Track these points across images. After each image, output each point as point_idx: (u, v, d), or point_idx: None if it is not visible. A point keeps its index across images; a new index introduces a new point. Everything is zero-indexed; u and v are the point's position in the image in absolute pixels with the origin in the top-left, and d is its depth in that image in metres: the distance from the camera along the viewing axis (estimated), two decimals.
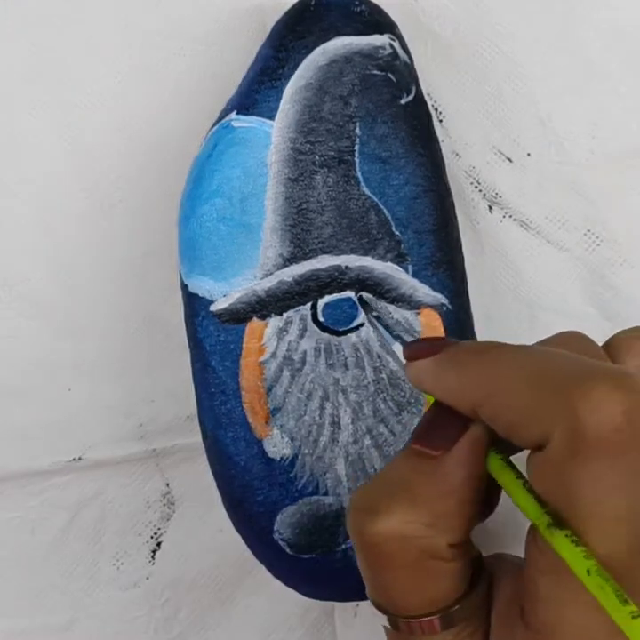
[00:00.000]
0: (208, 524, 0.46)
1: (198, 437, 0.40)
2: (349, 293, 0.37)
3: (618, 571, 0.22)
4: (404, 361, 0.31)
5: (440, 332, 0.38)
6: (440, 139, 0.39)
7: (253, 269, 0.37)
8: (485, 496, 0.28)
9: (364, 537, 0.27)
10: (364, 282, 0.37)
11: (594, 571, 0.22)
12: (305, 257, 0.37)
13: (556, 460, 0.23)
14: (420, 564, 0.27)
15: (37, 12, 0.41)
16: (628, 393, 0.22)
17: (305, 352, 0.38)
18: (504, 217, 0.42)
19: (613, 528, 0.22)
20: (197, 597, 0.47)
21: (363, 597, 0.40)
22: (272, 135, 0.37)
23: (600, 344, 0.27)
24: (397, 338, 0.36)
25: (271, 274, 0.37)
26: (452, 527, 0.27)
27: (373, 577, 0.29)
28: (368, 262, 0.37)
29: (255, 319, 0.37)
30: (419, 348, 0.29)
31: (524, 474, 0.26)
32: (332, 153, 0.37)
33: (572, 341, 0.26)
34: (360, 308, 0.37)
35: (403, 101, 0.37)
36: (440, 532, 0.27)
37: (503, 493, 0.28)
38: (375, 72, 0.37)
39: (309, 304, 0.37)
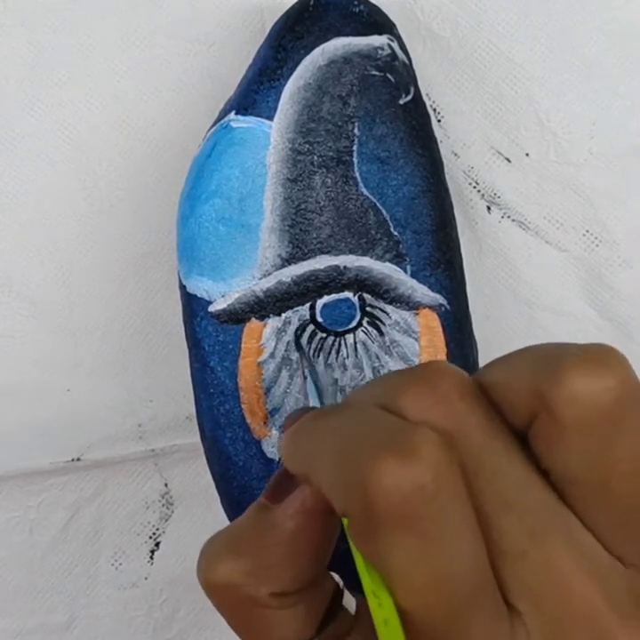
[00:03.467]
0: (207, 524, 0.46)
1: (197, 438, 0.40)
2: (348, 294, 0.37)
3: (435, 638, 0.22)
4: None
5: (439, 333, 0.38)
6: (439, 139, 0.39)
7: (252, 270, 0.37)
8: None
9: (202, 584, 0.28)
10: (362, 282, 0.37)
11: None
12: (303, 257, 0.37)
13: (358, 534, 0.23)
14: (248, 613, 0.27)
15: (36, 12, 0.41)
16: (415, 461, 0.22)
17: None
18: (503, 217, 0.42)
19: (423, 597, 0.22)
20: (196, 597, 0.47)
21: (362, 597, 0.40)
22: (271, 135, 0.37)
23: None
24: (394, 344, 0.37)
25: (270, 274, 0.37)
26: (276, 577, 0.27)
27: (227, 622, 0.29)
28: (366, 263, 0.37)
29: (254, 320, 0.37)
30: (285, 423, 0.29)
31: None
32: (331, 153, 0.37)
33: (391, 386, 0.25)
34: (358, 308, 0.37)
35: (401, 102, 0.37)
36: (262, 581, 0.27)
37: None
38: (374, 72, 0.37)
39: (308, 304, 0.37)
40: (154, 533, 0.46)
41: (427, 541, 0.22)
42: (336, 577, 0.30)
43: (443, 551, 0.22)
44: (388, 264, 0.37)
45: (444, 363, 0.25)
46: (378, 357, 0.38)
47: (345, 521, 0.24)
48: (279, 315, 0.37)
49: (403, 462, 0.22)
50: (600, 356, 0.23)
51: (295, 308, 0.37)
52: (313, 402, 0.33)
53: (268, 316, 0.37)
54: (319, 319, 0.37)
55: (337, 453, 0.23)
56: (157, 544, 0.46)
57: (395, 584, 0.22)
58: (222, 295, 0.37)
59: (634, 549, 0.23)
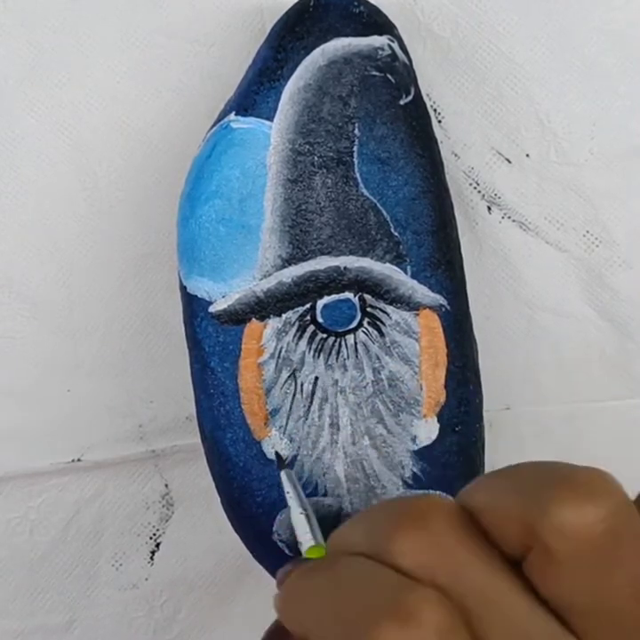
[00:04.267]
0: (207, 524, 0.46)
1: (197, 438, 0.40)
2: (348, 294, 0.37)
3: None
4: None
5: (439, 333, 0.38)
6: (439, 139, 0.39)
7: (252, 270, 0.37)
8: None
9: None
10: (362, 283, 0.37)
11: None
12: (304, 258, 0.37)
13: None
14: None
15: (36, 12, 0.41)
16: (417, 626, 0.21)
17: (304, 353, 0.38)
18: (503, 217, 0.42)
19: None
20: (196, 598, 0.47)
21: None
22: (271, 136, 0.37)
23: None
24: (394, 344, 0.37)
25: (270, 275, 0.37)
26: None
27: None
28: (367, 263, 0.37)
29: (254, 320, 0.37)
30: (278, 577, 0.29)
31: None
32: (331, 154, 0.37)
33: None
34: (359, 308, 0.37)
35: (402, 102, 0.37)
36: None
37: None
38: (374, 73, 0.37)
39: (308, 305, 0.37)
40: (154, 534, 0.46)
41: None
42: None
43: None
44: (388, 265, 0.37)
45: (429, 496, 0.24)
46: (378, 358, 0.38)
47: None
48: (279, 315, 0.37)
49: (404, 629, 0.21)
50: (588, 485, 0.22)
51: (295, 309, 0.37)
52: (300, 527, 0.33)
53: (269, 317, 0.37)
54: (319, 320, 0.37)
55: (334, 622, 0.23)
56: (158, 545, 0.46)
57: None
58: (223, 296, 0.37)
59: None
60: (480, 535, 0.23)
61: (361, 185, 0.37)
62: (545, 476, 0.23)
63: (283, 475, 0.36)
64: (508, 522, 0.23)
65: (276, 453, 0.38)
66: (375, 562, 0.23)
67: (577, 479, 0.22)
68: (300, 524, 0.33)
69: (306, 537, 0.32)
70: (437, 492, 0.25)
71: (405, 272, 0.38)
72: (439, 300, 0.38)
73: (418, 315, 0.38)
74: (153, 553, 0.46)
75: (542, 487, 0.23)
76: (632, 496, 0.24)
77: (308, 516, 0.33)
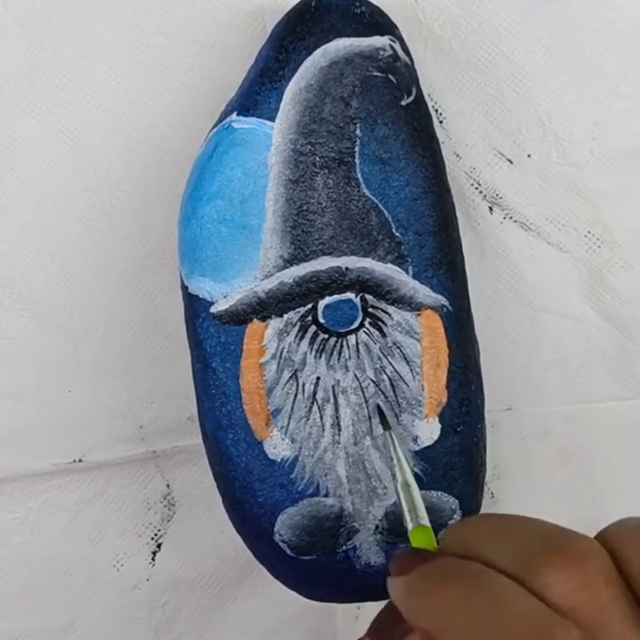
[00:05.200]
0: (208, 525, 0.46)
1: (199, 439, 0.40)
2: (350, 295, 0.37)
3: None
4: None
5: (440, 334, 0.38)
6: (440, 140, 0.39)
7: (254, 271, 0.37)
8: None
9: None
10: (364, 283, 0.37)
11: None
12: (305, 258, 0.37)
13: None
14: None
15: (37, 12, 0.41)
16: None
17: (305, 353, 0.38)
18: (504, 218, 0.42)
19: None
20: (198, 598, 0.47)
21: (363, 599, 0.40)
22: (273, 136, 0.37)
23: None
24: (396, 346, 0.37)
25: (272, 275, 0.37)
26: None
27: None
28: (368, 264, 0.37)
29: (256, 321, 0.37)
30: (396, 564, 0.28)
31: None
32: (333, 154, 0.37)
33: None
34: (360, 309, 0.37)
35: (403, 103, 0.37)
36: None
37: None
38: (376, 73, 0.37)
39: (310, 305, 0.37)
40: (155, 534, 0.46)
41: None
42: None
43: None
44: (389, 265, 0.37)
45: (591, 540, 0.24)
46: (380, 358, 0.38)
47: None
48: (281, 316, 0.37)
49: None
50: None
51: (297, 309, 0.37)
52: (405, 502, 0.32)
53: (270, 317, 0.37)
54: (321, 320, 0.37)
55: (476, 635, 0.23)
56: (159, 545, 0.46)
57: None
58: (224, 296, 0.37)
59: None
60: (624, 584, 0.24)
61: (362, 185, 0.37)
62: None
63: (386, 435, 0.35)
64: None
65: (378, 407, 0.37)
66: (521, 587, 0.23)
67: None
68: (405, 498, 0.31)
69: (410, 514, 0.30)
70: (584, 535, 0.25)
71: (407, 272, 0.38)
72: (441, 300, 0.38)
73: (419, 315, 0.38)
74: (154, 553, 0.46)
75: None
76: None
77: (411, 490, 0.31)
